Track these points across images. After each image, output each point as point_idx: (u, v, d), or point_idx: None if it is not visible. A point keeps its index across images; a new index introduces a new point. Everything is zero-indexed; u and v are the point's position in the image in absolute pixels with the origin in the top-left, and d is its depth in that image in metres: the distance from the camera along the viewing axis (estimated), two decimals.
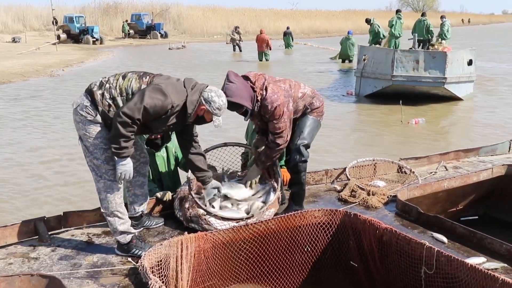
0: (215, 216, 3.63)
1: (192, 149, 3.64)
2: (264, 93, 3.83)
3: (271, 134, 3.91)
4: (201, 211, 3.65)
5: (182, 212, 3.76)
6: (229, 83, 3.72)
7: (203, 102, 3.34)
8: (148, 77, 3.29)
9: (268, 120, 3.89)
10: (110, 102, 3.20)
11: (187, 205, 3.73)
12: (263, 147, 4.12)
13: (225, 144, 4.30)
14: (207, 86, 3.41)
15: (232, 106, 3.69)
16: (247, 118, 3.89)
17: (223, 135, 8.86)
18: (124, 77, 3.28)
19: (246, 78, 3.89)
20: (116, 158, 3.18)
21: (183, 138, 3.64)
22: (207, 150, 4.10)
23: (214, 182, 3.80)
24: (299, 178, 4.06)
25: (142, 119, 3.15)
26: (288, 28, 36.20)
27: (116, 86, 3.23)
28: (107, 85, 3.23)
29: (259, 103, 3.84)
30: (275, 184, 4.08)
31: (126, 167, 3.21)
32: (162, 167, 4.56)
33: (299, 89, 4.08)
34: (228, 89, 3.67)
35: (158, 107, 3.15)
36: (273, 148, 3.93)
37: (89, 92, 3.24)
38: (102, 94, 3.21)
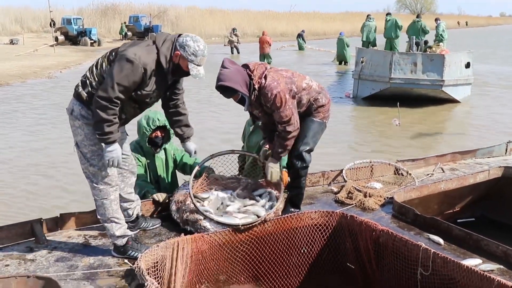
0: (212, 220, 3.59)
1: (172, 108, 3.55)
2: (264, 81, 3.68)
3: (279, 124, 3.76)
4: (197, 215, 3.63)
5: (179, 214, 3.75)
6: (223, 68, 3.62)
7: (178, 47, 3.17)
8: (113, 53, 3.18)
9: (271, 110, 3.74)
10: None
11: (184, 207, 3.73)
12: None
13: (232, 152, 4.28)
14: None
15: (226, 91, 3.61)
16: (246, 107, 3.76)
17: (226, 141, 8.84)
18: (96, 66, 3.21)
19: (245, 66, 3.77)
20: (103, 145, 3.13)
21: (166, 98, 3.50)
22: (213, 156, 4.08)
23: (190, 144, 3.72)
24: (299, 182, 4.00)
25: (123, 95, 3.05)
26: (303, 31, 36.17)
27: (94, 77, 3.17)
28: (88, 81, 3.18)
29: (256, 91, 3.69)
30: (270, 189, 4.04)
31: (113, 153, 3.13)
32: (161, 169, 4.57)
33: (304, 79, 3.90)
34: (221, 74, 3.58)
35: (131, 76, 3.03)
36: (285, 137, 3.78)
37: (78, 96, 3.20)
38: (88, 92, 3.15)
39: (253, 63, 3.82)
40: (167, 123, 4.34)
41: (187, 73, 3.26)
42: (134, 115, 3.40)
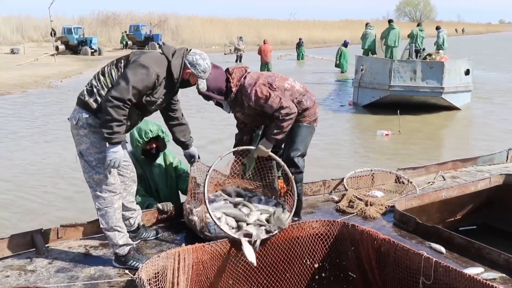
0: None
1: (175, 120, 3.79)
2: (243, 81, 3.83)
3: (274, 114, 3.76)
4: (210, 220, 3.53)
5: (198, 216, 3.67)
6: None
7: (188, 65, 3.38)
8: (122, 61, 3.29)
9: (259, 107, 3.80)
10: None
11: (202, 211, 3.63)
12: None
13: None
14: (188, 50, 3.46)
15: (204, 96, 3.79)
16: (225, 110, 3.97)
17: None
18: (103, 74, 3.25)
19: (226, 70, 3.90)
20: (107, 144, 3.14)
21: (166, 109, 3.68)
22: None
23: (193, 149, 3.94)
24: (295, 189, 3.98)
25: (134, 99, 3.14)
26: (300, 39, 36.40)
27: (102, 86, 3.21)
28: (95, 90, 3.21)
29: (233, 94, 3.83)
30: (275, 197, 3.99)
31: (117, 154, 3.16)
32: (159, 177, 4.48)
33: (286, 80, 3.96)
34: None
35: (145, 81, 3.17)
36: (283, 119, 3.76)
37: (84, 104, 3.22)
38: (96, 100, 3.19)
39: (233, 67, 3.96)
40: (159, 133, 4.30)
41: (190, 85, 3.52)
42: (136, 122, 3.49)
